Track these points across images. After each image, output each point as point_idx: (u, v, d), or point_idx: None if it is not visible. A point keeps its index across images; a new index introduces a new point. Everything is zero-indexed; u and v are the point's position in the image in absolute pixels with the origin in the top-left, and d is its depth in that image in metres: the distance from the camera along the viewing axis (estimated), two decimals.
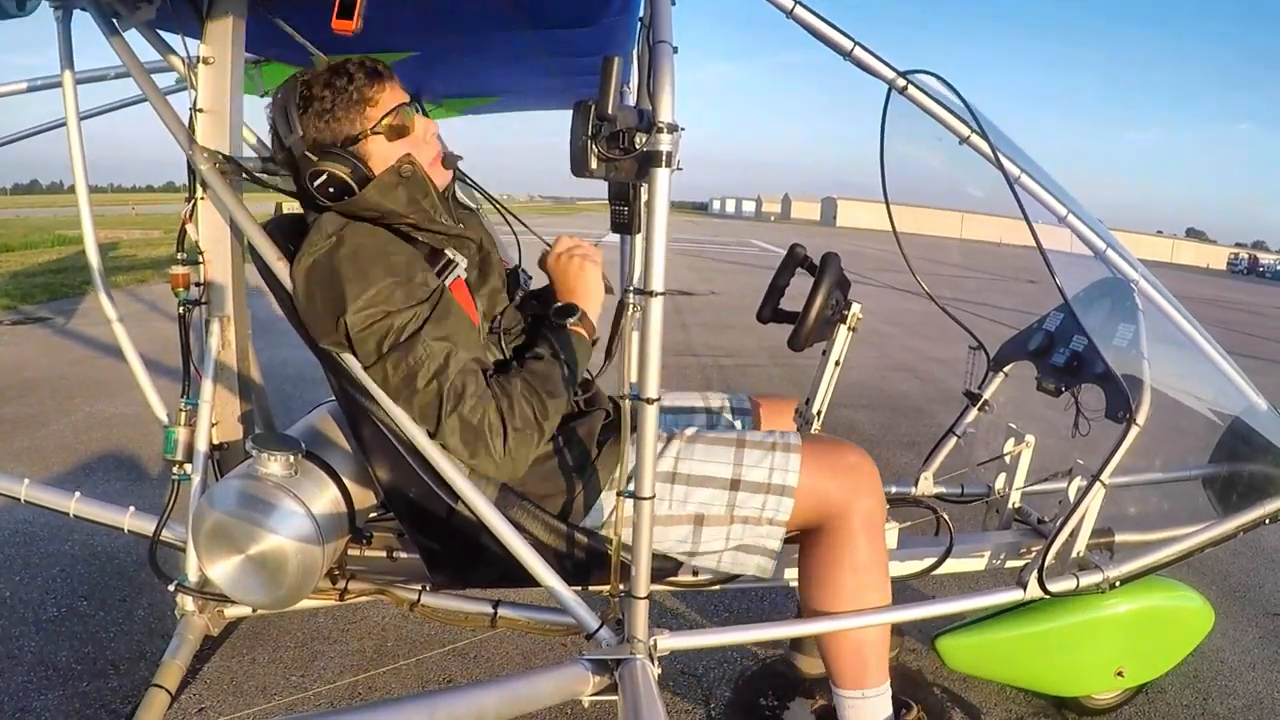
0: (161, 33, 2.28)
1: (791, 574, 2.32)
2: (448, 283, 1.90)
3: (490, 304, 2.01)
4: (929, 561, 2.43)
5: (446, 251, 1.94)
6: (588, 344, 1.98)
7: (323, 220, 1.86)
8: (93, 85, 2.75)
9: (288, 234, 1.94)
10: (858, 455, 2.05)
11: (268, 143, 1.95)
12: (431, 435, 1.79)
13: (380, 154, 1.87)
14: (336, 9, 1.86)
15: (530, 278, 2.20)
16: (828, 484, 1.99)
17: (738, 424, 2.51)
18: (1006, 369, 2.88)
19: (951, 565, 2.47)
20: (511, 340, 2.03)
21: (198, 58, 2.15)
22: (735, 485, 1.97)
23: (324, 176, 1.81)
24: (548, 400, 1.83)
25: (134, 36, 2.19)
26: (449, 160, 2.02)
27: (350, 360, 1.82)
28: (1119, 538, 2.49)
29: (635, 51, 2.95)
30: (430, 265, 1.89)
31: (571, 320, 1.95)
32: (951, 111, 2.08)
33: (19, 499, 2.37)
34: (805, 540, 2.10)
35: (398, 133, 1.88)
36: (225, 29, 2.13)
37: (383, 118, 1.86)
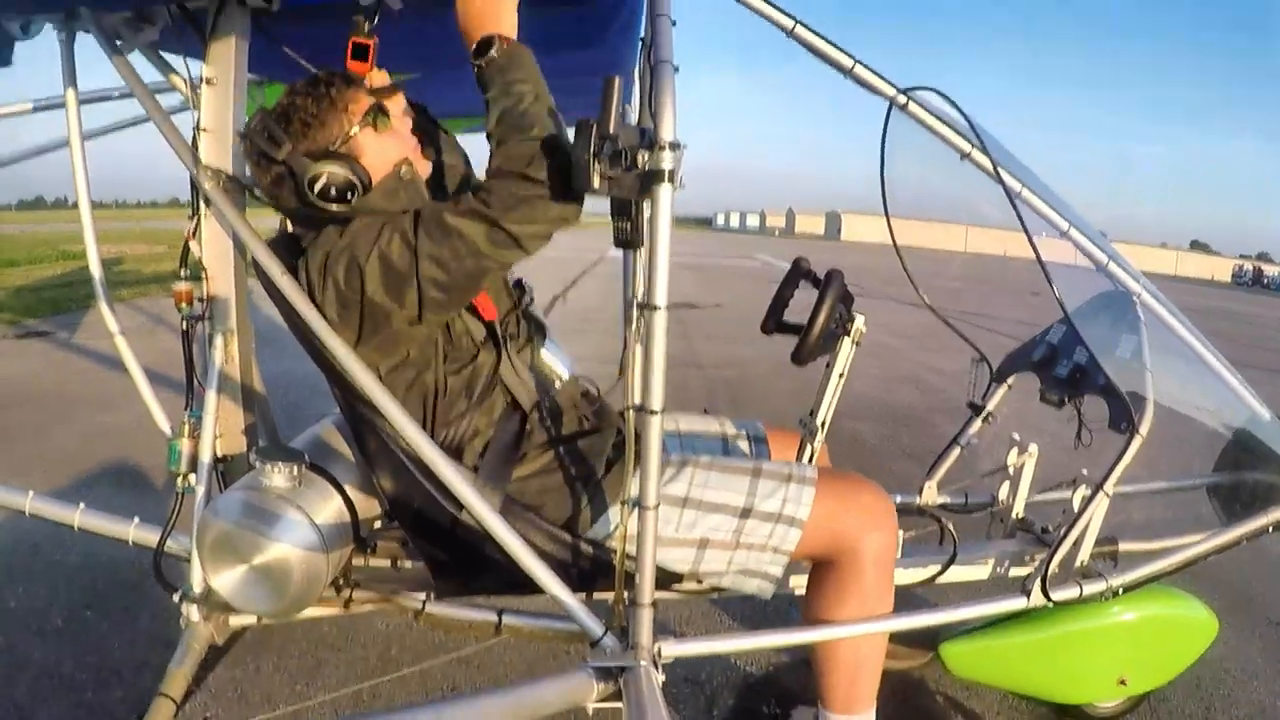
0: (164, 54, 2.30)
1: (796, 581, 2.33)
2: None
3: (497, 303, 2.02)
4: (933, 569, 2.44)
5: None
6: (521, 54, 1.83)
7: (328, 231, 1.87)
8: (97, 104, 2.77)
9: (291, 252, 1.95)
10: (874, 494, 2.06)
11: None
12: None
13: (371, 148, 1.87)
14: (351, 51, 1.89)
15: (533, 288, 2.21)
16: (842, 518, 2.01)
17: (752, 451, 2.51)
18: (1009, 380, 2.90)
19: (955, 573, 2.48)
20: (517, 348, 2.04)
21: (200, 78, 2.17)
22: (746, 513, 1.98)
23: (323, 179, 1.79)
24: (523, 143, 1.72)
25: (137, 58, 2.21)
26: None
27: (355, 372, 1.83)
28: (1123, 546, 2.50)
29: (636, 71, 2.97)
30: None
31: (492, 52, 1.79)
32: (953, 127, 2.09)
33: (24, 511, 2.38)
34: (816, 569, 2.12)
35: (380, 123, 1.88)
36: (228, 50, 2.15)
37: (366, 112, 1.86)
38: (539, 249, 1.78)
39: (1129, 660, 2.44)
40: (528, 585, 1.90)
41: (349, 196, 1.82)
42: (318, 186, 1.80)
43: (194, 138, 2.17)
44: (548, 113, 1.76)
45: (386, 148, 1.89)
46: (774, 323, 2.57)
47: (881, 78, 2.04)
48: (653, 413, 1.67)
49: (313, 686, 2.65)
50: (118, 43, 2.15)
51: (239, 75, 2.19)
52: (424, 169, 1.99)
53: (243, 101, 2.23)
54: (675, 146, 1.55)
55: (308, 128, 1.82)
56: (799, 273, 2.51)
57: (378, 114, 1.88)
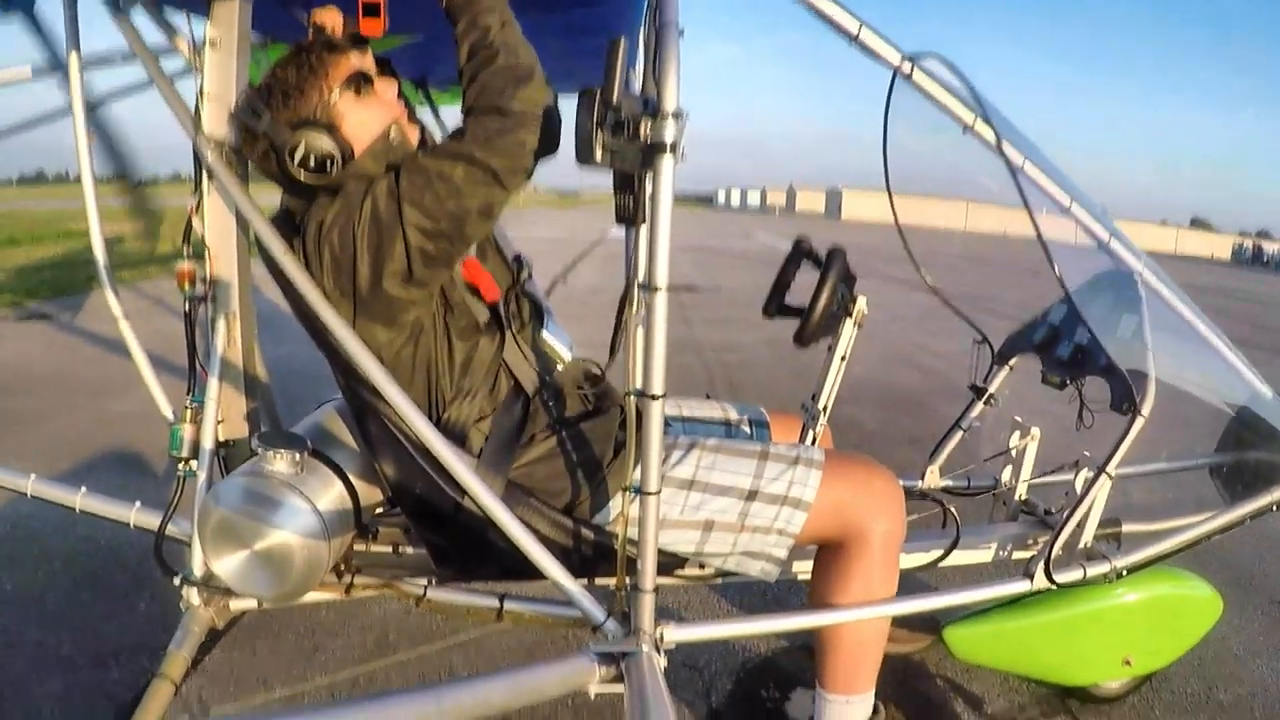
0: (167, 17, 2.26)
1: (799, 567, 2.32)
2: (459, 262, 1.91)
3: (499, 281, 2.00)
4: (936, 554, 2.43)
5: None
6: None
7: (320, 201, 1.84)
8: (97, 72, 2.73)
9: (289, 228, 1.91)
10: (883, 478, 2.05)
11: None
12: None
13: (352, 115, 1.83)
14: (361, 10, 1.85)
15: (531, 264, 2.19)
16: (850, 502, 1.99)
17: (754, 436, 2.48)
18: (1011, 362, 2.88)
19: (959, 557, 2.47)
20: (519, 328, 2.02)
21: (204, 40, 2.13)
22: (752, 496, 1.97)
23: (303, 147, 1.78)
24: (494, 76, 1.69)
25: (141, 22, 2.17)
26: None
27: (357, 353, 1.81)
28: (1126, 528, 2.49)
29: (641, 34, 2.93)
30: None
31: None
32: (957, 97, 2.06)
33: (25, 493, 2.38)
34: (822, 552, 2.11)
35: (362, 88, 1.85)
36: (231, 9, 2.10)
37: (347, 78, 1.83)
38: (520, 185, 1.74)
39: (1134, 640, 2.44)
40: (530, 571, 1.89)
41: (329, 166, 1.79)
42: (298, 155, 1.78)
43: (196, 105, 2.13)
44: (516, 42, 1.73)
45: (370, 114, 1.85)
46: (776, 305, 2.55)
47: (888, 43, 2.01)
48: (654, 397, 1.65)
49: (310, 670, 2.66)
50: (119, 1, 2.11)
51: (243, 37, 2.14)
52: (413, 135, 1.95)
53: (246, 66, 2.18)
54: (678, 116, 1.52)
55: (288, 98, 1.80)
56: (800, 252, 2.49)
57: (360, 80, 1.85)
